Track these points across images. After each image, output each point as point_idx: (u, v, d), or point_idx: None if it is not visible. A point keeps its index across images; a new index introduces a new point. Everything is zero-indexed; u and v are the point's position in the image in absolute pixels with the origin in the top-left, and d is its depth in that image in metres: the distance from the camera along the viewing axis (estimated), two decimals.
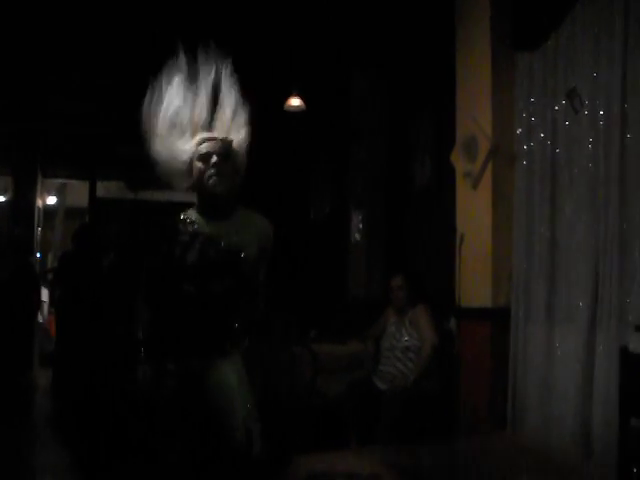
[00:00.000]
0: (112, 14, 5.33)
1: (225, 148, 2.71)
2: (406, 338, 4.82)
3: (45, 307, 9.38)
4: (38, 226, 9.46)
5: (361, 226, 6.52)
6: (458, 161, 4.77)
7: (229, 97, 2.75)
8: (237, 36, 5.64)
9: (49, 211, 11.20)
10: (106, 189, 10.16)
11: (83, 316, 6.03)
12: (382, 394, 4.62)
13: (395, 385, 4.67)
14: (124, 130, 7.71)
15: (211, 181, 2.66)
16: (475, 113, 4.62)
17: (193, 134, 2.74)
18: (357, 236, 6.56)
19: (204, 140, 2.73)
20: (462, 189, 4.76)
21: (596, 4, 3.78)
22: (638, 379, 3.00)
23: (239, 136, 2.78)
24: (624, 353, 3.17)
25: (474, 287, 4.58)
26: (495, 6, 4.53)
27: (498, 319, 4.40)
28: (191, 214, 2.77)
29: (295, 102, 6.39)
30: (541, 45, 4.25)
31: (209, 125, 2.77)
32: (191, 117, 2.73)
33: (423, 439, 4.14)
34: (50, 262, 10.70)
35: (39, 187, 9.42)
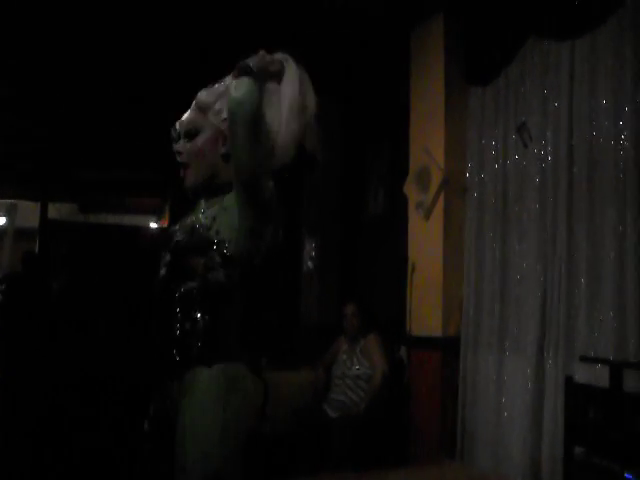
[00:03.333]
0: (70, 30, 5.28)
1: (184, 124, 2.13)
2: (357, 367, 4.83)
3: None
4: None
5: (314, 253, 6.53)
6: (411, 191, 4.84)
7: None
8: (198, 61, 5.66)
9: None
10: (57, 211, 10.02)
11: (32, 339, 5.92)
12: (333, 422, 4.62)
13: (346, 413, 4.67)
14: (78, 152, 7.67)
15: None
16: (428, 145, 4.70)
17: None
18: (310, 263, 6.57)
19: None
20: (414, 219, 4.83)
21: (544, 43, 3.91)
22: (582, 409, 3.06)
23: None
24: (569, 383, 3.23)
25: (425, 316, 4.63)
26: (449, 41, 4.64)
27: (448, 348, 4.45)
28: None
29: None
30: (492, 80, 4.36)
31: None
32: None
33: (374, 467, 4.13)
34: None
35: None
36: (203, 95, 2.13)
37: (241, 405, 1.93)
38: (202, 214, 2.07)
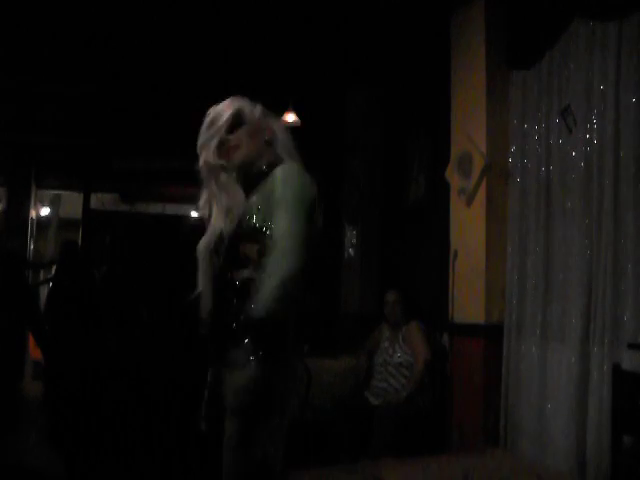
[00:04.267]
0: (108, 25, 5.34)
1: None
2: (399, 354, 4.82)
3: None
4: (31, 237, 9.43)
5: (355, 241, 6.52)
6: (452, 177, 4.80)
7: None
8: (233, 52, 5.67)
9: (42, 222, 11.16)
10: (100, 201, 10.14)
11: (76, 328, 6.01)
12: (375, 409, 4.62)
13: (388, 400, 4.67)
14: (120, 143, 7.76)
15: None
16: (470, 130, 4.65)
17: None
18: (351, 251, 6.56)
19: None
20: (456, 205, 4.78)
21: (590, 23, 3.81)
22: (630, 397, 3.01)
23: None
24: (617, 371, 3.18)
25: (467, 303, 4.59)
26: (490, 25, 4.57)
27: (491, 335, 4.41)
28: None
29: (291, 117, 6.41)
30: (535, 64, 4.29)
31: None
32: None
33: (415, 454, 4.12)
34: (43, 273, 10.64)
35: (33, 198, 9.40)
36: (237, 99, 2.33)
37: (285, 392, 2.06)
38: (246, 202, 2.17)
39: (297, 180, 2.14)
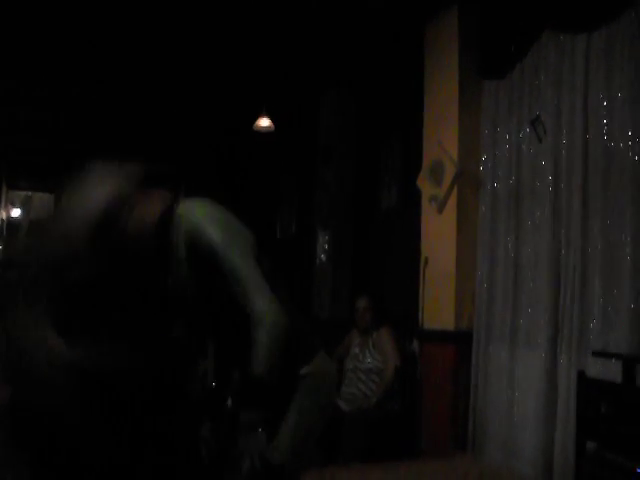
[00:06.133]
0: (80, 27, 5.30)
1: None
2: (369, 360, 4.84)
3: None
4: (1, 238, 9.34)
5: (327, 247, 6.54)
6: (424, 185, 4.83)
7: None
8: (208, 57, 5.67)
9: (13, 223, 11.05)
10: None
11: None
12: (344, 415, 4.63)
13: (357, 406, 4.68)
14: (91, 144, 7.72)
15: None
16: (442, 138, 4.69)
17: None
18: (323, 256, 6.58)
19: None
20: (427, 213, 4.82)
21: (559, 37, 3.88)
22: (594, 404, 3.05)
23: None
24: (582, 378, 3.22)
25: (437, 310, 4.62)
26: (463, 35, 4.62)
27: (460, 342, 4.44)
28: None
29: (264, 123, 6.42)
30: (507, 74, 4.34)
31: None
32: None
33: (385, 460, 4.14)
34: None
35: (3, 199, 9.31)
36: None
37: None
38: None
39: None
